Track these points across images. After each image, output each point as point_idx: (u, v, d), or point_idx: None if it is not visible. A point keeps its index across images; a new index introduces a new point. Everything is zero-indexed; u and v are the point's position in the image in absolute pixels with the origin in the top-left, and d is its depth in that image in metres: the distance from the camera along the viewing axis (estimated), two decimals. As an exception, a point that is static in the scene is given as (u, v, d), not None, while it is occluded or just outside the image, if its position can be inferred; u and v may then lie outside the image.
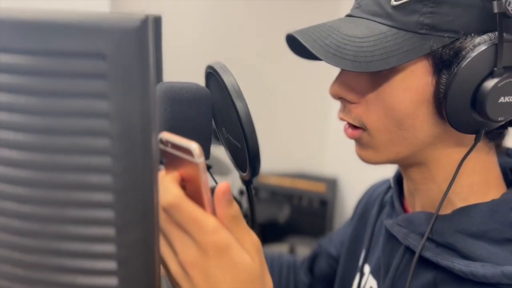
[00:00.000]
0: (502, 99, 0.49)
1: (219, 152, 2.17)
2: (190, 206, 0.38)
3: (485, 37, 0.48)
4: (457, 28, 0.49)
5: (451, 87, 0.49)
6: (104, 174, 0.30)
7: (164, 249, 0.40)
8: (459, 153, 0.54)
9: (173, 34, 2.25)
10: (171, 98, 0.50)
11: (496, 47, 0.48)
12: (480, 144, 0.55)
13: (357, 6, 0.55)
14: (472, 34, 0.49)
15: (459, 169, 0.53)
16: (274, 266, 0.91)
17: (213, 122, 0.55)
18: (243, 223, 0.41)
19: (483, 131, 0.52)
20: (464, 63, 0.48)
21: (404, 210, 0.65)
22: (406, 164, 0.59)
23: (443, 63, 0.50)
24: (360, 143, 0.58)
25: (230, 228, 0.40)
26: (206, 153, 0.52)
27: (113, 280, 0.32)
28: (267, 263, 0.77)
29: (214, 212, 0.40)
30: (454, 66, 0.49)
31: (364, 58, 0.49)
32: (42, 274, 0.32)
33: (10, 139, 0.30)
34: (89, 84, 0.28)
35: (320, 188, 2.54)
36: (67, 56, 0.28)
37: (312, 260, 0.89)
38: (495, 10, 0.47)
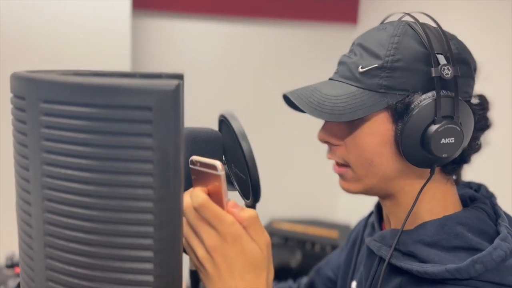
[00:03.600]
0: (443, 140, 0.64)
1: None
2: (214, 206, 0.53)
3: (428, 94, 0.65)
4: (408, 88, 0.65)
5: (404, 131, 0.64)
6: (147, 188, 0.43)
7: (193, 239, 0.54)
8: (419, 183, 0.68)
9: (193, 81, 2.43)
10: (192, 139, 0.64)
11: (436, 101, 0.63)
12: (438, 177, 0.69)
13: (336, 71, 0.72)
14: (419, 92, 0.64)
15: (418, 196, 0.67)
16: None
17: (224, 158, 0.69)
18: (259, 223, 0.55)
19: (435, 166, 0.65)
20: (413, 113, 0.64)
21: (382, 229, 0.79)
22: (380, 194, 0.73)
23: (398, 114, 0.65)
24: (343, 177, 0.72)
25: (248, 226, 0.53)
26: None
27: (150, 265, 0.45)
28: None
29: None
30: (406, 116, 0.64)
31: (338, 111, 0.66)
32: (100, 261, 0.45)
33: (83, 164, 0.44)
34: (140, 127, 0.42)
35: (332, 234, 2.62)
36: (127, 108, 0.42)
37: (311, 284, 1.00)
38: (433, 74, 0.63)
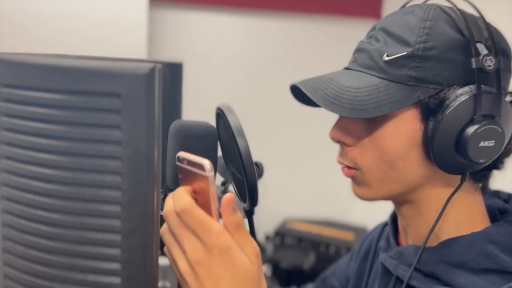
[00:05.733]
0: (482, 143, 0.54)
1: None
2: (199, 212, 0.45)
3: (466, 88, 0.55)
4: (441, 81, 0.56)
5: (436, 132, 0.55)
6: (114, 189, 0.37)
7: (175, 250, 0.46)
8: (446, 192, 0.59)
9: (205, 73, 2.38)
10: (182, 133, 0.57)
11: (475, 98, 0.54)
12: (466, 185, 0.60)
13: (354, 60, 0.63)
14: (455, 86, 0.55)
15: (445, 207, 0.58)
16: None
17: (222, 157, 0.62)
18: (245, 230, 0.47)
19: (468, 172, 0.57)
20: (448, 111, 0.55)
21: (399, 245, 0.69)
22: (398, 202, 0.64)
23: (430, 111, 0.56)
24: (355, 181, 0.64)
25: (233, 234, 0.46)
26: None
27: (117, 279, 0.38)
28: None
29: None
30: (439, 114, 0.55)
31: (360, 106, 0.57)
32: (61, 272, 0.39)
33: (43, 158, 0.38)
34: (106, 117, 0.36)
35: (348, 236, 2.54)
36: (90, 95, 0.36)
37: None
38: (473, 66, 0.54)
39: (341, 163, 0.64)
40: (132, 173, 0.37)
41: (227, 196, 0.47)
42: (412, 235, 0.65)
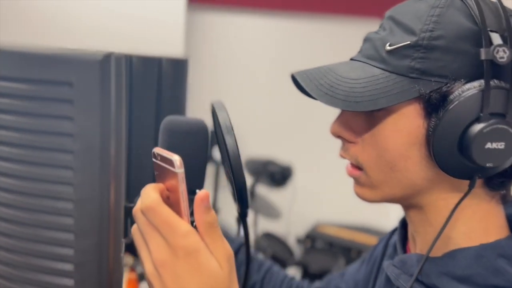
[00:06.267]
0: (489, 145, 0.48)
1: (271, 196, 2.18)
2: (165, 210, 0.42)
3: (474, 83, 0.49)
4: (447, 74, 0.50)
5: (437, 130, 0.50)
6: (66, 185, 0.34)
7: (142, 250, 0.44)
8: (456, 198, 0.53)
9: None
10: (169, 129, 0.54)
11: (483, 93, 0.48)
12: (480, 192, 0.54)
13: (360, 50, 0.58)
14: (462, 80, 0.49)
15: (452, 214, 0.52)
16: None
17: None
18: (218, 231, 0.44)
19: (476, 177, 0.51)
20: (451, 107, 0.49)
21: (406, 252, 0.64)
22: (405, 206, 0.59)
23: (433, 106, 0.50)
24: (358, 182, 0.59)
25: (204, 235, 0.43)
26: (199, 182, 0.56)
27: (70, 281, 0.36)
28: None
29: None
30: (441, 111, 0.50)
31: (354, 98, 0.52)
32: (14, 271, 0.37)
33: (-3, 151, 0.36)
34: (57, 107, 0.34)
35: (381, 243, 2.46)
36: (40, 83, 0.33)
37: None
38: (482, 57, 0.48)
39: (342, 157, 0.59)
40: (84, 168, 0.34)
41: (201, 193, 0.43)
42: (420, 243, 0.59)
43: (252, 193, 2.09)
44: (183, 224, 0.42)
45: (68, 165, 0.34)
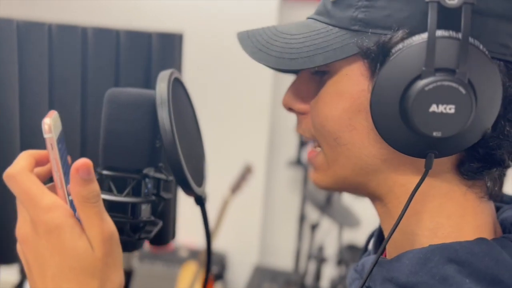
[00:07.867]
0: (434, 108, 0.37)
1: (350, 203, 2.02)
2: (27, 180, 0.38)
3: (423, 35, 0.38)
4: (393, 25, 0.40)
5: (374, 92, 0.40)
6: None
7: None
8: (416, 184, 0.41)
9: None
10: (109, 100, 0.52)
11: (427, 44, 0.37)
12: (450, 179, 0.43)
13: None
14: (405, 30, 0.39)
15: (409, 203, 0.41)
16: None
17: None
18: (95, 208, 0.39)
19: (432, 154, 0.40)
20: (388, 63, 0.39)
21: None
22: (368, 197, 0.49)
23: (375, 64, 0.41)
24: (314, 166, 0.50)
25: (79, 209, 0.39)
26: (141, 156, 0.52)
27: None
28: None
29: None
30: (379, 68, 0.40)
31: (289, 55, 0.44)
32: None
33: None
34: None
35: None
36: None
37: None
38: None
39: (299, 133, 0.51)
40: None
41: (79, 161, 0.38)
42: (390, 242, 0.48)
43: (335, 202, 1.95)
44: (46, 198, 0.38)
45: None
